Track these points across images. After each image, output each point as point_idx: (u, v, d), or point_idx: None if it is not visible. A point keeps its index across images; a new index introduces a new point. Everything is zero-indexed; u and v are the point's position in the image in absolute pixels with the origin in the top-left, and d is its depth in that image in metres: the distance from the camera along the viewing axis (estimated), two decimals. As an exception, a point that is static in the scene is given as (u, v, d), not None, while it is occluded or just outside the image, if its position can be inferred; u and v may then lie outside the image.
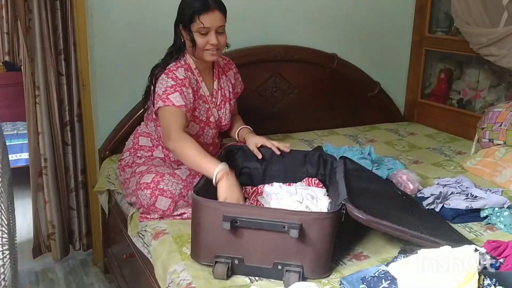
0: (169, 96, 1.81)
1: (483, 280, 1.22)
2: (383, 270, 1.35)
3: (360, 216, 1.42)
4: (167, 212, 1.78)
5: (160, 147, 2.02)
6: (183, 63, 1.92)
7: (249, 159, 1.95)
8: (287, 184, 1.88)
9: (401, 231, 1.46)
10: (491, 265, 1.32)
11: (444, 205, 1.86)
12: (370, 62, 3.09)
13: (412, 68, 3.25)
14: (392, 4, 3.09)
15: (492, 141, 2.38)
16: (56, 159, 2.54)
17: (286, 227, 1.38)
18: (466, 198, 1.87)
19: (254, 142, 1.96)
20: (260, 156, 1.92)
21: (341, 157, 1.86)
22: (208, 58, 1.91)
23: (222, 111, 2.04)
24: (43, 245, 2.66)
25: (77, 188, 2.63)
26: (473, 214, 1.84)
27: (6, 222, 1.61)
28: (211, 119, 2.00)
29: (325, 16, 2.91)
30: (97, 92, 2.48)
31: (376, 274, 1.35)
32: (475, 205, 1.83)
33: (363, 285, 1.35)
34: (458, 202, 1.85)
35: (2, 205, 1.47)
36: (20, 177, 3.29)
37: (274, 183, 1.86)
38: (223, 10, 1.88)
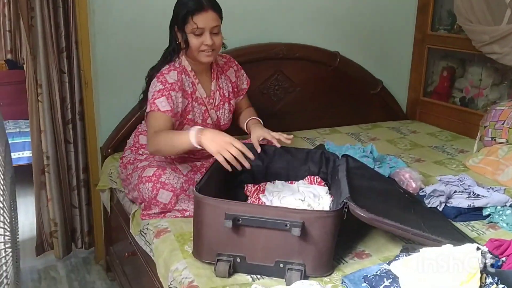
0: (155, 101, 1.80)
1: (485, 279, 1.22)
2: (385, 269, 1.35)
3: (362, 214, 1.42)
4: (168, 205, 1.78)
5: None
6: (178, 66, 1.90)
7: (251, 157, 1.94)
8: (289, 182, 1.88)
9: (403, 230, 1.46)
10: (492, 265, 1.31)
11: (447, 204, 1.86)
12: (372, 60, 3.08)
13: (415, 66, 3.24)
14: (394, 2, 3.08)
15: (495, 139, 2.38)
16: (59, 157, 2.54)
17: (288, 225, 1.38)
18: (469, 197, 1.87)
19: (256, 135, 1.93)
20: (259, 150, 1.87)
21: (343, 155, 1.86)
22: (204, 59, 1.88)
23: (220, 111, 2.03)
24: (45, 243, 2.67)
25: (79, 186, 2.64)
26: (475, 213, 1.83)
27: (8, 220, 1.61)
28: (208, 120, 1.99)
29: (327, 14, 2.90)
30: (99, 90, 2.48)
31: (378, 273, 1.35)
32: (478, 203, 1.83)
33: (365, 284, 1.35)
34: (460, 201, 1.85)
35: (4, 203, 1.47)
36: (22, 175, 3.30)
37: (276, 181, 1.86)
38: (217, 10, 1.86)
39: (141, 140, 2.08)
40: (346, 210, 1.44)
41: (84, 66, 2.43)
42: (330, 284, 1.41)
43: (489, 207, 1.83)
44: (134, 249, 2.00)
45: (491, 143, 2.39)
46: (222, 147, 1.60)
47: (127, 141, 2.19)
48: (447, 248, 1.28)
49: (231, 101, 2.08)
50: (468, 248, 1.26)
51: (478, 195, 1.87)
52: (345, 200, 1.45)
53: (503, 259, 1.41)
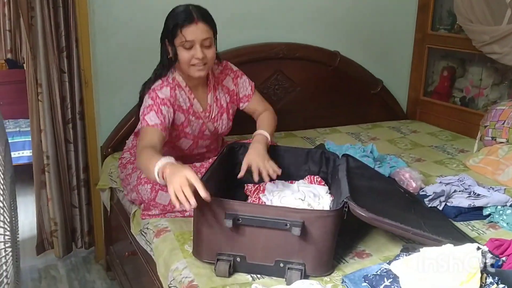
0: (145, 117, 1.75)
1: (486, 279, 1.22)
2: (385, 268, 1.35)
3: (362, 214, 1.42)
4: (168, 207, 1.78)
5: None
6: (171, 81, 1.84)
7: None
8: (289, 181, 1.87)
9: (404, 229, 1.46)
10: (492, 264, 1.31)
11: (447, 203, 1.85)
12: (372, 60, 3.08)
13: (415, 66, 3.24)
14: (395, 2, 3.08)
15: (495, 139, 2.38)
16: (59, 157, 2.54)
17: (288, 225, 1.38)
18: (469, 196, 1.87)
19: (247, 160, 1.75)
20: (241, 175, 1.74)
21: (343, 155, 1.86)
22: (195, 74, 1.80)
23: (218, 122, 1.98)
24: (46, 242, 2.67)
25: (79, 186, 2.64)
26: (475, 212, 1.83)
27: (8, 220, 1.61)
28: (206, 132, 1.96)
29: (327, 14, 2.90)
30: (99, 90, 2.48)
31: (378, 272, 1.35)
32: (478, 203, 1.83)
33: (365, 283, 1.35)
34: (460, 200, 1.85)
35: (4, 203, 1.47)
36: (22, 174, 3.30)
37: (276, 181, 1.85)
38: (209, 22, 1.78)
39: None
40: (346, 209, 1.44)
41: (84, 66, 2.43)
42: (330, 284, 1.41)
43: (489, 206, 1.83)
44: (134, 249, 2.00)
45: (491, 143, 2.39)
46: (178, 185, 1.39)
47: (126, 141, 2.18)
48: (448, 247, 1.28)
49: (230, 110, 2.02)
50: (469, 248, 1.26)
51: (479, 194, 1.87)
52: (345, 200, 1.44)
53: (504, 258, 1.41)
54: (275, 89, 2.82)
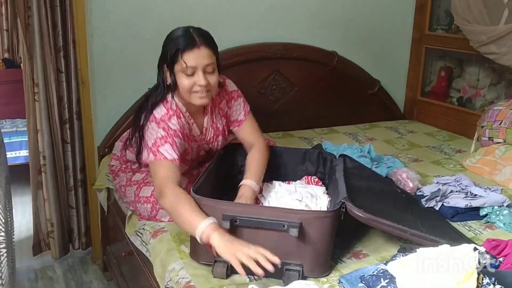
0: (159, 149, 1.62)
1: (482, 279, 1.22)
2: (382, 269, 1.35)
3: (359, 214, 1.42)
4: (170, 221, 1.74)
5: None
6: (175, 108, 1.71)
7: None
8: (287, 182, 1.87)
9: (401, 230, 1.46)
10: (491, 264, 1.31)
11: (444, 204, 1.85)
12: (370, 60, 3.08)
13: (412, 66, 3.24)
14: (392, 2, 3.08)
15: (492, 139, 2.38)
16: (55, 157, 2.53)
17: (285, 225, 1.37)
18: (466, 197, 1.87)
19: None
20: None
21: (340, 155, 1.86)
22: (197, 101, 1.68)
23: (213, 144, 1.90)
24: (43, 243, 2.66)
25: (76, 186, 2.63)
26: (472, 213, 1.83)
27: (3, 221, 1.61)
28: (201, 153, 1.91)
29: (325, 14, 2.90)
30: (96, 90, 2.48)
31: (375, 273, 1.35)
32: (475, 203, 1.83)
33: (361, 284, 1.35)
34: (457, 201, 1.84)
35: None
36: (19, 174, 3.29)
37: (274, 182, 1.85)
38: (211, 46, 1.66)
39: (128, 156, 1.99)
40: (344, 210, 1.44)
41: (81, 66, 2.42)
42: (327, 284, 1.40)
43: (486, 207, 1.83)
44: (131, 249, 1.99)
45: (488, 143, 2.39)
46: (245, 256, 1.32)
47: (114, 145, 2.14)
48: (445, 248, 1.28)
49: (226, 132, 1.92)
50: (467, 248, 1.25)
51: (475, 195, 1.87)
52: (342, 200, 1.44)
53: (500, 259, 1.41)
54: (273, 89, 2.82)
